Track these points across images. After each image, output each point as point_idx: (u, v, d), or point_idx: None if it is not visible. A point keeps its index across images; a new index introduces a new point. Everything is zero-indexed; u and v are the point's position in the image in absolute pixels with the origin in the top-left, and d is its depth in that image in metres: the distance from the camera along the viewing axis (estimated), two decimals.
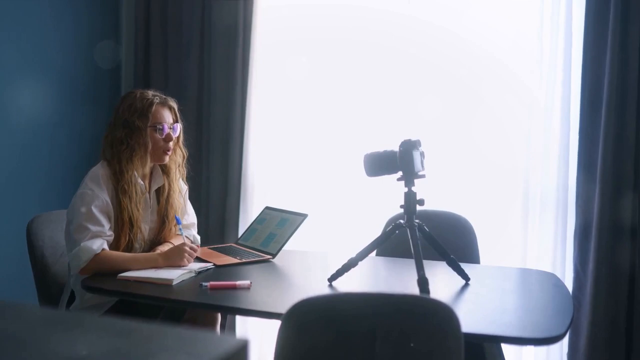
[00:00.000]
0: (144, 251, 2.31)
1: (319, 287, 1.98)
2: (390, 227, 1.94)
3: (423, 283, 1.71)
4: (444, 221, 2.59)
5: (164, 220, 2.37)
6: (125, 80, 3.65)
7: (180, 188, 2.46)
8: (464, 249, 2.52)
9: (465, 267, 2.07)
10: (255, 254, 2.43)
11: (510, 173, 2.88)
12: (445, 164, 2.93)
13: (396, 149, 1.90)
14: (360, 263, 1.98)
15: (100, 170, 2.22)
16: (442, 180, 2.90)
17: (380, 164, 1.91)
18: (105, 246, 2.13)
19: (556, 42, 2.75)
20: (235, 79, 3.29)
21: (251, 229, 2.66)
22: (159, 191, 2.40)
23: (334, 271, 1.98)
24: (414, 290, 1.75)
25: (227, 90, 3.32)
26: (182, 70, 3.44)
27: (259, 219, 2.67)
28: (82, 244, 2.07)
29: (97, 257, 2.08)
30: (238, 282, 1.95)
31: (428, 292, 1.70)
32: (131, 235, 2.21)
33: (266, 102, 3.28)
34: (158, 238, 2.38)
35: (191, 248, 2.17)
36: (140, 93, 2.29)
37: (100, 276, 2.07)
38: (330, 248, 2.88)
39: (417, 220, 1.89)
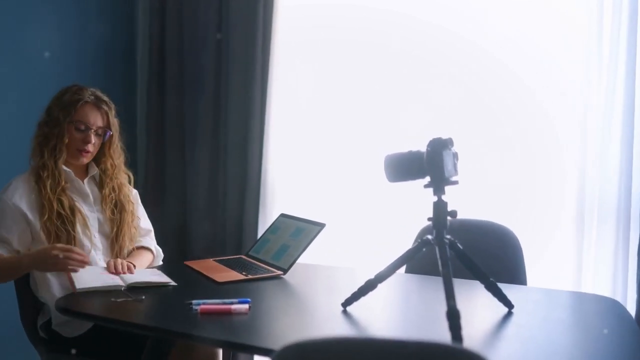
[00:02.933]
0: (105, 248, 2.13)
1: (330, 313, 1.67)
2: (416, 243, 1.61)
3: (453, 316, 1.37)
4: (484, 233, 2.24)
5: (117, 204, 2.18)
6: (140, 83, 3.44)
7: (129, 190, 2.26)
8: (507, 267, 2.16)
9: (509, 289, 1.72)
10: (265, 268, 2.13)
11: (563, 176, 2.49)
12: (485, 166, 2.56)
13: (423, 149, 1.56)
14: (385, 282, 1.65)
15: (23, 175, 2.10)
16: (482, 185, 2.53)
17: (404, 167, 1.58)
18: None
19: (618, 27, 2.35)
20: (255, 79, 3.03)
21: (263, 239, 2.37)
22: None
23: (354, 290, 1.66)
24: (443, 323, 1.41)
25: (246, 90, 3.06)
26: (197, 71, 3.20)
27: (273, 228, 2.38)
28: None
29: None
30: (234, 307, 1.65)
31: (459, 327, 1.37)
32: (48, 224, 2.00)
33: (287, 103, 3.00)
34: (121, 229, 2.16)
35: (66, 249, 1.87)
36: (77, 88, 2.14)
37: (76, 297, 1.79)
38: (356, 262, 2.55)
39: (448, 236, 1.55)
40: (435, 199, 1.55)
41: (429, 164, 1.53)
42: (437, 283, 1.49)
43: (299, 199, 2.96)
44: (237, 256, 2.36)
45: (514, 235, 2.26)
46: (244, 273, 2.06)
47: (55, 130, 2.07)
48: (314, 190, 2.92)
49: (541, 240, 2.48)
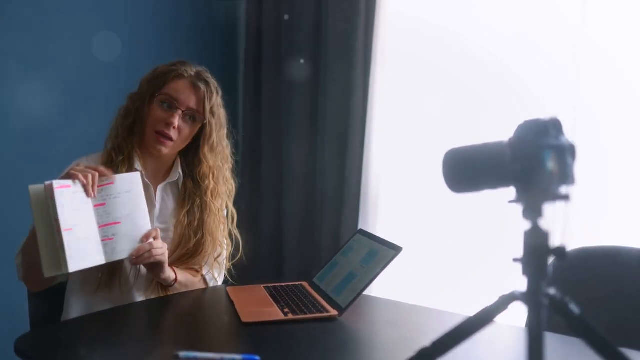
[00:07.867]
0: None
1: None
2: (499, 299, 0.96)
3: None
4: (627, 266, 1.49)
5: (184, 240, 1.74)
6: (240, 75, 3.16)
7: (220, 210, 1.80)
8: None
9: None
10: (320, 305, 1.58)
11: None
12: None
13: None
14: (477, 339, 1.02)
15: (94, 156, 1.72)
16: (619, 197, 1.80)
17: (471, 169, 0.94)
18: None
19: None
20: (356, 76, 2.62)
21: (332, 262, 1.81)
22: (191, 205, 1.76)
23: (422, 347, 1.05)
24: None
25: (346, 87, 2.65)
26: (294, 67, 2.83)
27: (346, 248, 1.82)
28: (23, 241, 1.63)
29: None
30: None
31: None
32: None
33: (391, 103, 2.57)
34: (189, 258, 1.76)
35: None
36: (177, 61, 1.74)
37: (43, 340, 1.38)
38: (452, 298, 1.92)
39: (550, 290, 0.89)
40: (528, 225, 0.89)
41: (516, 165, 0.88)
42: (560, 344, 0.83)
43: (402, 208, 2.40)
44: (298, 283, 1.83)
45: None
46: (285, 310, 1.53)
47: (137, 104, 1.67)
48: (417, 200, 2.34)
49: None
